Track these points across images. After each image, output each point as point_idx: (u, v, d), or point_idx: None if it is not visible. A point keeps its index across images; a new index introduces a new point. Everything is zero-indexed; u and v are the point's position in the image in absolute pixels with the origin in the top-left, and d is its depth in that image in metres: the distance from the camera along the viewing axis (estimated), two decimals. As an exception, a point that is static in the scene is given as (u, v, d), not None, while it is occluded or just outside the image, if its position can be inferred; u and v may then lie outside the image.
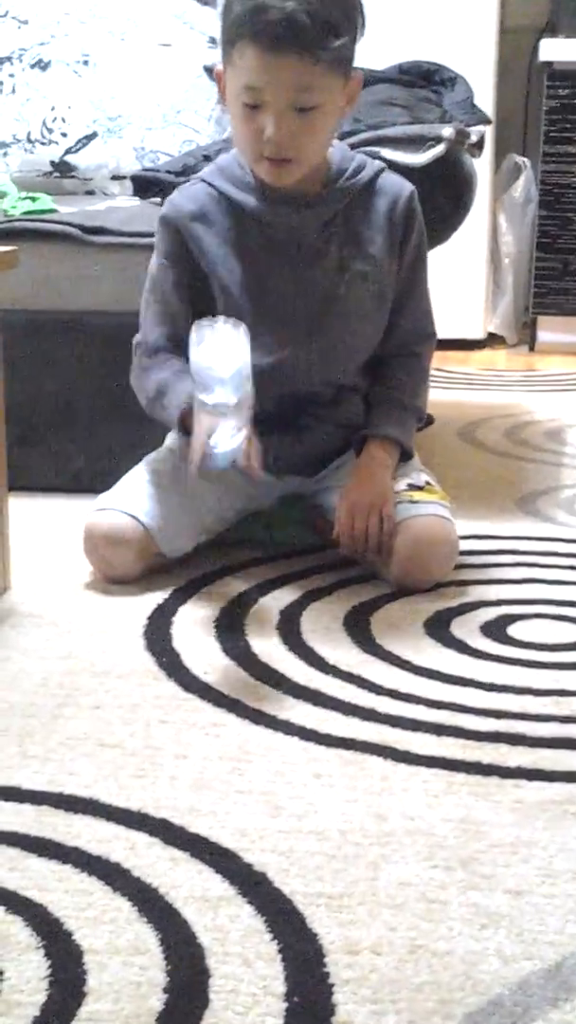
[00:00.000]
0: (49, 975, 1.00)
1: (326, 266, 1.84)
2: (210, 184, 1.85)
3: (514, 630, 1.68)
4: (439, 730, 1.40)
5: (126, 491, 1.85)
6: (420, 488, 1.85)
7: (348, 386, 1.90)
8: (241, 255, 1.83)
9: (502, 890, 1.11)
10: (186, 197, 1.86)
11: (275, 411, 1.86)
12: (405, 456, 1.89)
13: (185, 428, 1.73)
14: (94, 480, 2.01)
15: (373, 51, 2.12)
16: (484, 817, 1.23)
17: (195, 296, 1.84)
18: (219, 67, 1.76)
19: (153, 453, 1.92)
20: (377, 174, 1.87)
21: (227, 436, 1.58)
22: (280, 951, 1.03)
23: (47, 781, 1.29)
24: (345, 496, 1.82)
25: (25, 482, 2.17)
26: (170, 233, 1.85)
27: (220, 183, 1.84)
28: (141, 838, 1.19)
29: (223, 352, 1.59)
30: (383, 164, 1.90)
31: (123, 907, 1.09)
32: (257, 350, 1.84)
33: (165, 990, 0.98)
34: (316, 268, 1.83)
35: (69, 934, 1.05)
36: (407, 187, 1.88)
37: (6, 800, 1.25)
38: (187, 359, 1.78)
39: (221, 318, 1.63)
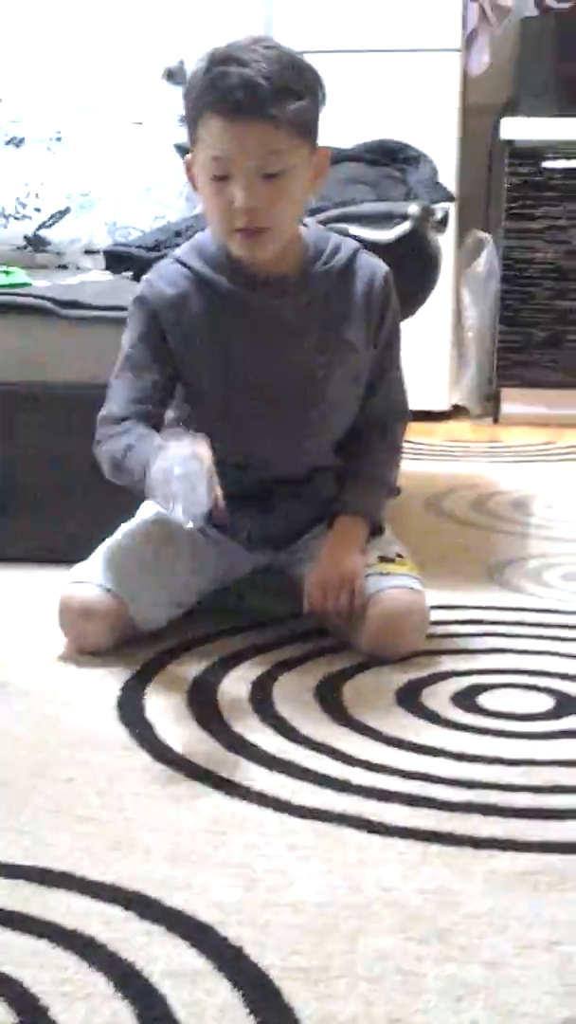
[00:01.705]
0: (26, 1052, 1.00)
1: (304, 351, 1.83)
2: (186, 265, 1.84)
3: (484, 700, 1.69)
4: (412, 801, 1.40)
5: (100, 563, 1.85)
6: (391, 560, 1.87)
7: (322, 466, 1.92)
8: (219, 340, 1.82)
9: (478, 962, 1.12)
10: (164, 280, 1.84)
11: (250, 492, 1.88)
12: (377, 531, 1.91)
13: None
14: (69, 550, 2.02)
15: (339, 130, 2.18)
16: (459, 888, 1.23)
17: (169, 374, 1.83)
18: (188, 157, 1.77)
19: (127, 524, 1.93)
20: (354, 255, 1.87)
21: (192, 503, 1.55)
22: (257, 1026, 1.03)
23: (22, 854, 1.29)
24: (315, 572, 1.84)
25: (-2, 553, 2.19)
26: (146, 314, 1.83)
27: (197, 264, 1.83)
28: (116, 912, 1.19)
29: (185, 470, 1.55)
30: (358, 244, 1.91)
31: (99, 982, 1.09)
32: (233, 437, 1.86)
33: (143, 1066, 0.98)
34: (294, 351, 1.83)
35: (45, 1010, 1.05)
36: (382, 268, 1.89)
37: (-19, 874, 1.25)
38: (153, 428, 1.77)
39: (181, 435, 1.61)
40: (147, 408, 1.82)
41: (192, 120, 1.72)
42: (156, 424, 1.82)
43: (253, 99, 1.65)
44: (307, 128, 1.72)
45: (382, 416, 1.95)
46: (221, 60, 1.67)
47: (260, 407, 1.84)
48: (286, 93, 1.67)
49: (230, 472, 1.88)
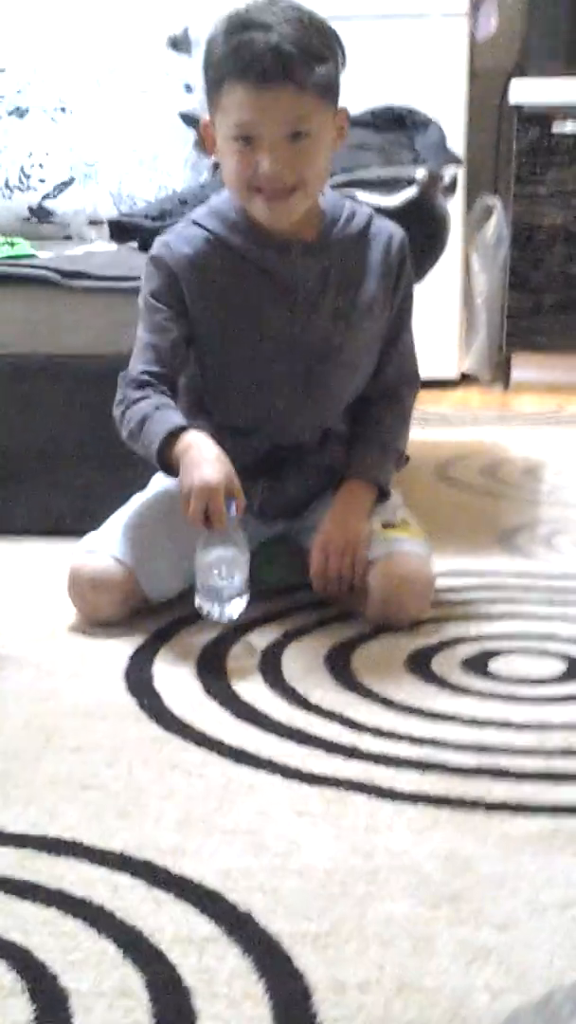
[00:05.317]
0: (34, 1019, 0.99)
1: (322, 315, 1.83)
2: (204, 228, 1.82)
3: (495, 665, 1.68)
4: (423, 766, 1.40)
5: (113, 533, 1.84)
6: (395, 526, 1.85)
7: (333, 431, 1.91)
8: (236, 302, 1.81)
9: (489, 925, 1.11)
10: (181, 240, 1.83)
11: (262, 459, 1.87)
12: (383, 496, 1.90)
13: (164, 463, 1.73)
14: (76, 523, 2.01)
15: (347, 96, 2.15)
16: (470, 852, 1.22)
17: (186, 334, 1.83)
18: (205, 118, 1.75)
19: (140, 494, 1.92)
20: (369, 219, 1.87)
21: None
22: (267, 991, 1.03)
23: (30, 823, 1.28)
24: (319, 537, 1.83)
25: (6, 526, 2.18)
26: (162, 273, 1.82)
27: (215, 226, 1.82)
28: (125, 880, 1.19)
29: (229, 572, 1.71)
30: (372, 210, 1.90)
31: (108, 949, 1.08)
32: (250, 401, 1.85)
33: (152, 1032, 0.97)
34: (312, 317, 1.82)
35: (54, 977, 1.05)
36: (398, 232, 1.89)
37: (-11, 843, 1.25)
38: (172, 392, 1.81)
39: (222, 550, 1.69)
40: (165, 370, 1.81)
41: (213, 84, 1.70)
42: (173, 383, 1.82)
43: (279, 66, 1.63)
44: (331, 91, 1.71)
45: (393, 382, 1.94)
46: (243, 25, 1.65)
47: (277, 370, 1.83)
48: (312, 58, 1.65)
49: (242, 439, 1.87)
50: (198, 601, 1.74)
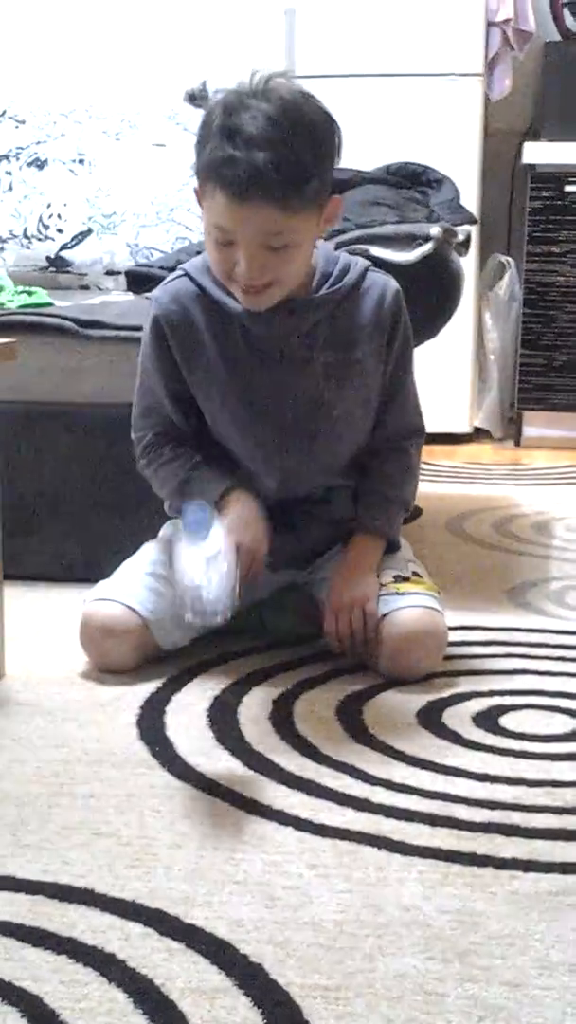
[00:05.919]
0: (45, 1068, 0.99)
1: (311, 373, 1.81)
2: (194, 281, 1.81)
3: (506, 721, 1.68)
4: (433, 820, 1.40)
5: (124, 582, 1.85)
6: (406, 579, 1.86)
7: (339, 484, 1.92)
8: (225, 359, 1.81)
9: (499, 982, 1.11)
10: (169, 296, 1.82)
11: (269, 510, 1.88)
12: (392, 548, 1.91)
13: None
14: (88, 569, 2.03)
15: (362, 153, 2.18)
16: (480, 908, 1.22)
17: (182, 394, 1.85)
18: (197, 188, 1.73)
19: (151, 542, 1.93)
20: (363, 273, 1.84)
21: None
22: (277, 1044, 1.02)
23: (41, 871, 1.29)
24: (330, 594, 1.84)
25: (19, 571, 2.19)
26: (155, 335, 1.83)
27: (205, 281, 1.80)
28: (136, 928, 1.19)
29: (211, 575, 1.55)
30: (368, 263, 1.88)
31: (118, 998, 1.08)
32: (247, 456, 1.86)
33: None
34: (301, 375, 1.81)
35: (64, 1026, 1.04)
36: (392, 286, 1.86)
37: (1, 889, 1.25)
38: (192, 447, 1.82)
39: (211, 531, 1.59)
40: (173, 429, 1.85)
41: (199, 174, 1.67)
42: (184, 436, 1.86)
43: (261, 188, 1.59)
44: (316, 201, 1.66)
45: (396, 435, 1.93)
46: (230, 132, 1.60)
47: (267, 430, 1.83)
48: (298, 178, 1.60)
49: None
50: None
